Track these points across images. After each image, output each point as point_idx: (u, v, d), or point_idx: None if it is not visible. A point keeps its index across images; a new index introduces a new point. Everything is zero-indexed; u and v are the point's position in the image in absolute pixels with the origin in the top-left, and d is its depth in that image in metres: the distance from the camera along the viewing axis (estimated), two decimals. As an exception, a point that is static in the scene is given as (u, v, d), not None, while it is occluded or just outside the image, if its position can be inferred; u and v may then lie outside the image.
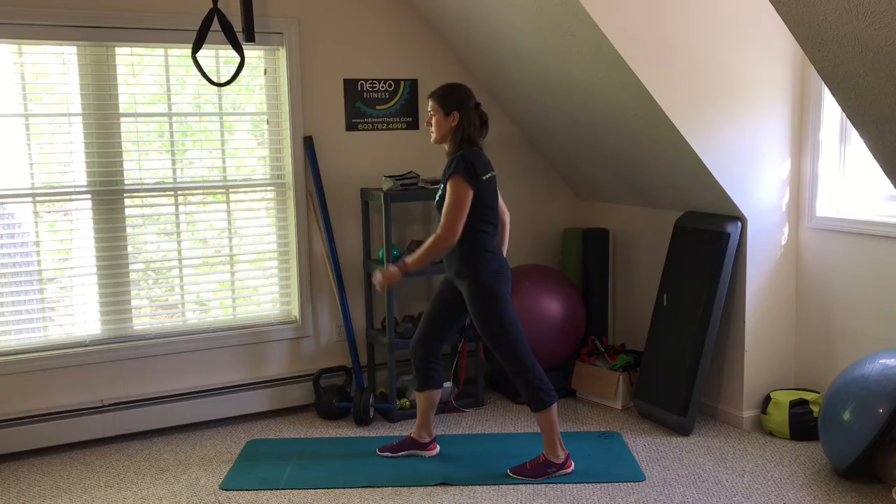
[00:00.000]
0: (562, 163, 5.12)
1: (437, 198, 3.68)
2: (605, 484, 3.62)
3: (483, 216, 3.59)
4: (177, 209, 4.41)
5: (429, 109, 3.67)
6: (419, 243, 4.63)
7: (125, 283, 4.30)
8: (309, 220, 4.59)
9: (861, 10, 2.32)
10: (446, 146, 3.66)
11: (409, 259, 3.61)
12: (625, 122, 4.16)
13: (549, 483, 3.63)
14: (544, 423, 3.66)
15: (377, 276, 3.68)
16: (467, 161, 3.51)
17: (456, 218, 3.49)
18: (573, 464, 3.74)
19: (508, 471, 3.73)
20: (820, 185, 4.13)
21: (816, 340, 4.22)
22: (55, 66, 4.09)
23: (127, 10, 4.09)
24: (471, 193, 3.49)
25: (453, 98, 3.61)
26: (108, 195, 4.22)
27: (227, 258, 4.55)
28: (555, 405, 3.65)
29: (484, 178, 3.56)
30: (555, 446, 3.69)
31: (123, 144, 4.23)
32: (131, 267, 4.31)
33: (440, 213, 3.62)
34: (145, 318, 4.41)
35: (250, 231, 4.59)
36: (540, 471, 3.69)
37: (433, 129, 3.65)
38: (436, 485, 3.65)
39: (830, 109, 4.05)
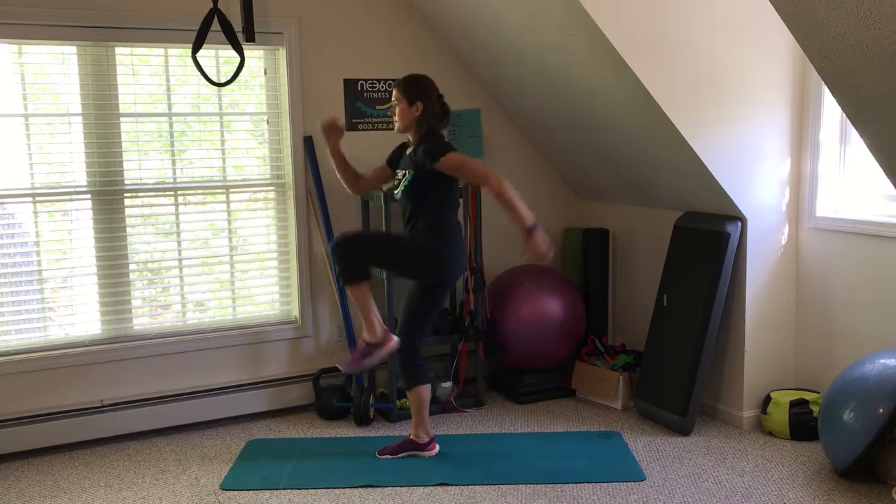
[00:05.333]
0: (562, 163, 5.12)
1: (404, 187, 3.77)
2: (605, 484, 3.62)
3: (451, 195, 3.76)
4: (177, 209, 4.41)
5: (393, 99, 3.77)
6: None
7: (125, 283, 4.30)
8: (309, 220, 4.59)
9: (861, 10, 2.32)
10: (410, 135, 3.77)
11: (525, 215, 3.59)
12: (625, 122, 4.16)
13: (549, 483, 3.63)
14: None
15: (546, 248, 3.62)
16: (443, 141, 3.70)
17: (485, 170, 3.59)
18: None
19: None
20: (820, 185, 4.13)
21: (816, 340, 4.22)
22: (55, 66, 4.09)
23: (127, 10, 4.09)
24: (465, 155, 3.64)
25: (417, 88, 3.73)
26: (108, 195, 4.22)
27: (227, 258, 4.55)
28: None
29: None
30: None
31: (123, 144, 4.23)
32: (131, 267, 4.32)
33: (409, 201, 3.76)
34: (145, 318, 4.41)
35: (250, 231, 4.60)
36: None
37: (397, 118, 3.76)
38: (436, 485, 3.65)
39: (830, 109, 4.05)
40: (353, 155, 4.65)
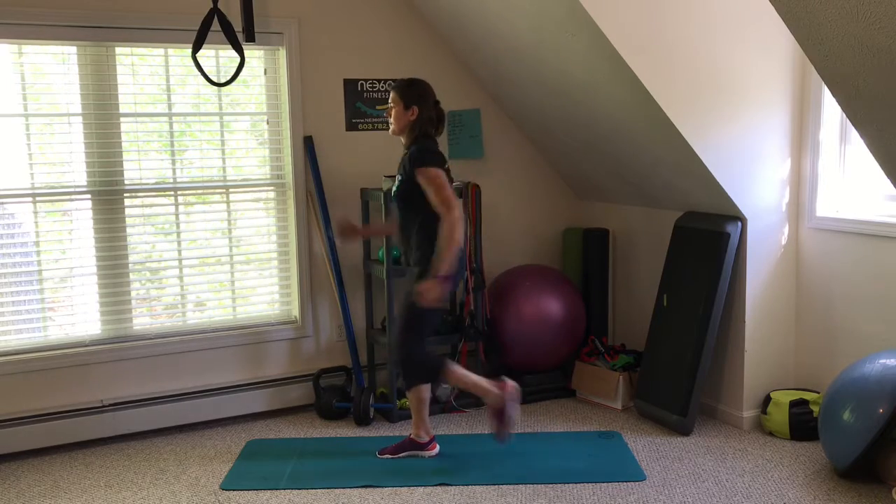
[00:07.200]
0: (562, 163, 5.12)
1: (395, 190, 3.76)
2: (605, 484, 3.62)
3: None
4: (176, 209, 4.41)
5: (389, 102, 3.76)
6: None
7: (125, 283, 4.30)
8: (309, 220, 4.59)
9: (861, 10, 2.32)
10: (403, 138, 3.77)
11: (439, 266, 3.54)
12: (625, 122, 4.16)
13: (549, 483, 3.63)
14: (456, 379, 3.76)
15: (426, 297, 3.55)
16: (430, 150, 3.67)
17: (449, 198, 3.58)
18: (507, 383, 3.74)
19: (494, 437, 3.79)
20: (820, 185, 4.13)
21: (816, 340, 4.22)
22: (55, 66, 4.09)
23: (127, 10, 4.09)
24: (444, 175, 3.61)
25: (414, 92, 3.72)
26: (108, 195, 4.22)
27: (227, 258, 4.55)
28: (447, 363, 3.72)
29: (445, 167, 3.70)
30: (482, 389, 3.73)
31: (123, 144, 4.23)
32: (131, 267, 4.32)
33: (398, 204, 3.75)
34: (145, 318, 4.41)
35: (250, 231, 4.59)
36: (500, 418, 3.74)
37: (392, 121, 3.75)
38: (436, 485, 3.65)
39: (830, 109, 4.05)
40: (353, 156, 4.67)
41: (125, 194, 4.25)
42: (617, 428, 4.30)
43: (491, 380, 3.76)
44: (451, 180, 3.75)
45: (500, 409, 3.73)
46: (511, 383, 3.75)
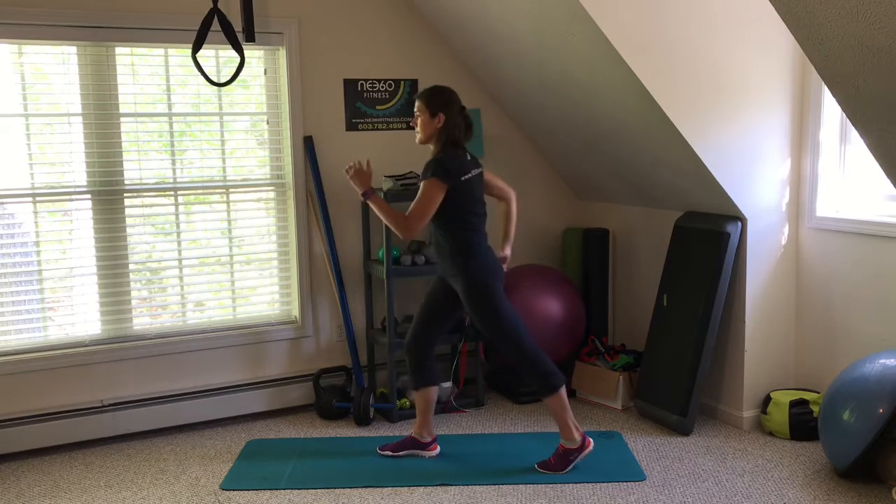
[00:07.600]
0: (562, 163, 5.12)
1: None
2: (605, 484, 3.62)
3: (469, 213, 3.68)
4: (176, 209, 4.41)
5: (415, 111, 3.74)
6: (421, 243, 4.65)
7: (125, 283, 4.30)
8: (309, 220, 4.59)
9: (861, 10, 2.32)
10: (431, 146, 3.74)
11: (377, 197, 3.69)
12: (625, 122, 4.16)
13: (549, 483, 3.63)
14: (555, 407, 3.72)
15: (350, 171, 3.71)
16: (443, 164, 3.62)
17: (421, 213, 3.57)
18: (591, 441, 3.80)
19: (536, 465, 3.77)
20: (820, 185, 4.13)
21: (816, 340, 4.22)
22: (55, 66, 4.09)
23: (127, 10, 4.09)
24: (440, 196, 3.57)
25: (439, 100, 3.70)
26: (108, 195, 4.22)
27: (227, 258, 4.55)
28: (563, 389, 3.71)
29: (464, 178, 3.65)
30: (569, 430, 3.73)
31: (123, 144, 4.23)
32: (131, 267, 4.32)
33: None
34: (145, 318, 4.41)
35: (250, 231, 4.59)
36: (562, 462, 3.73)
37: (419, 129, 3.73)
38: (436, 485, 3.65)
39: (830, 109, 4.05)
40: (352, 156, 4.67)
41: (125, 194, 4.25)
42: (617, 428, 4.30)
43: (579, 428, 3.78)
44: (477, 186, 3.72)
45: (569, 455, 3.74)
46: (592, 443, 3.80)
